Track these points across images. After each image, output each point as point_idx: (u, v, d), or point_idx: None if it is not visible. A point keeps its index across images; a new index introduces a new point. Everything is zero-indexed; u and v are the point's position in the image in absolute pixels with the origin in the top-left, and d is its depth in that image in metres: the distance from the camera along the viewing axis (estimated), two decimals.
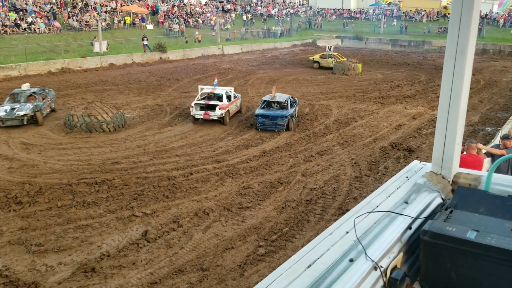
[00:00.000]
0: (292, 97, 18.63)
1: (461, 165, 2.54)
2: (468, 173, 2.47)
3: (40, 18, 36.44)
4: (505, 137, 9.28)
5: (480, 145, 8.49)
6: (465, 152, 7.74)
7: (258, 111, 17.30)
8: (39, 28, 34.95)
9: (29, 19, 35.22)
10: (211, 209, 10.40)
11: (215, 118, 17.58)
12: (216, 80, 20.21)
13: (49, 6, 39.12)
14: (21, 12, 35.93)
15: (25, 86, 18.43)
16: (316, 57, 34.79)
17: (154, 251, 8.71)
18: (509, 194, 2.16)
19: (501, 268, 1.69)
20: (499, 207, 2.08)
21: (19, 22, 34.24)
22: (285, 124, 16.73)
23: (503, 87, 26.15)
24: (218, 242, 9.06)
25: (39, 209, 10.33)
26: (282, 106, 17.57)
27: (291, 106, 17.76)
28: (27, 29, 34.31)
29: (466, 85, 2.28)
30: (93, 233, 9.37)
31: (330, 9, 68.31)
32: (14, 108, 16.81)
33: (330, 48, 35.70)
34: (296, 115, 18.09)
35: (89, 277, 7.89)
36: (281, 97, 17.99)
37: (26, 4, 37.67)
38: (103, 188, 11.45)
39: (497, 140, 12.90)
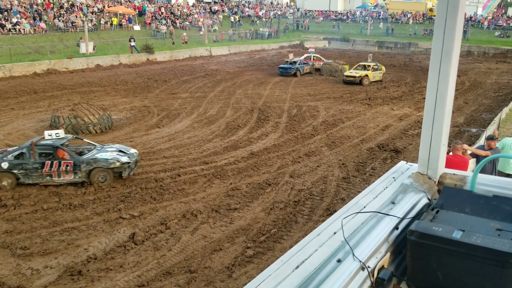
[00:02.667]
0: (303, 61, 31.96)
1: (447, 166, 2.57)
2: (454, 174, 2.50)
3: (25, 18, 36.01)
4: (489, 138, 9.42)
5: (466, 146, 8.60)
6: (450, 153, 7.84)
7: (280, 65, 31.23)
8: (24, 29, 34.53)
9: (14, 20, 34.79)
10: (199, 210, 10.36)
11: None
12: (311, 49, 37.07)
13: (34, 6, 38.69)
14: (6, 13, 35.47)
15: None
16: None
17: (141, 254, 8.65)
18: (494, 194, 2.19)
19: (487, 267, 1.71)
20: (484, 207, 2.11)
21: (3, 22, 33.80)
22: (292, 72, 30.11)
23: (488, 89, 26.51)
24: (206, 243, 9.03)
25: (24, 212, 10.20)
26: (292, 63, 30.94)
27: (300, 64, 31.01)
28: (11, 30, 33.88)
29: (451, 86, 2.31)
30: (79, 236, 9.27)
31: (318, 10, 68.63)
32: None
33: (370, 57, 32.27)
34: (304, 71, 31.16)
35: (75, 280, 7.80)
36: (294, 59, 31.75)
37: (11, 4, 37.18)
38: (89, 190, 11.34)
39: (482, 141, 13.08)
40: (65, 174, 11.55)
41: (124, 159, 11.99)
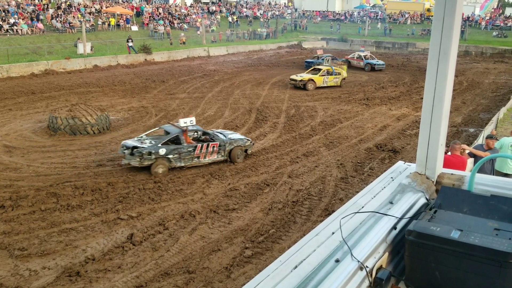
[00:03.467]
0: (334, 57, 34.14)
1: (445, 166, 2.57)
2: (452, 174, 2.50)
3: (23, 19, 35.94)
4: (489, 137, 9.44)
5: (464, 146, 8.61)
6: (449, 153, 7.85)
7: (306, 60, 35.12)
8: (21, 30, 34.46)
9: (11, 20, 34.71)
10: (197, 211, 10.36)
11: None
12: (362, 49, 39.10)
13: (31, 7, 38.62)
14: (3, 13, 35.40)
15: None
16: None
17: (139, 254, 8.64)
18: (492, 193, 2.20)
19: (484, 266, 1.72)
20: (482, 207, 2.12)
21: (1, 23, 33.72)
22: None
23: (485, 89, 26.57)
24: (205, 244, 9.02)
25: (22, 213, 10.17)
26: (318, 58, 33.70)
27: (326, 60, 32.07)
28: (9, 31, 33.81)
29: (449, 86, 2.31)
30: (77, 237, 9.26)
31: (316, 11, 68.68)
32: None
33: (328, 60, 30.14)
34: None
35: (73, 281, 7.79)
36: (322, 55, 34.56)
37: (8, 5, 37.11)
38: (87, 191, 11.32)
39: (480, 141, 13.11)
40: (210, 154, 13.30)
41: (248, 138, 14.39)
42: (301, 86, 25.55)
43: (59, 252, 8.68)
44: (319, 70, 26.85)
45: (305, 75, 26.36)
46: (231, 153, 13.57)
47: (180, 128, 13.15)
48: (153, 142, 12.82)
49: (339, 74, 27.12)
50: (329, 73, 26.67)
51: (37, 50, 32.04)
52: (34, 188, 11.40)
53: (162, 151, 12.40)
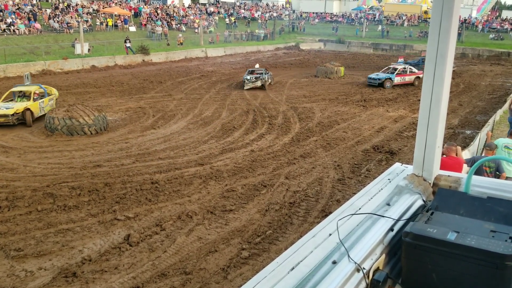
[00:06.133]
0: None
1: (442, 168, 2.58)
2: (449, 175, 2.51)
3: (20, 19, 35.86)
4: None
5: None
6: (443, 155, 7.86)
7: (409, 61, 34.72)
8: (18, 29, 34.38)
9: (9, 20, 34.62)
10: (194, 212, 10.34)
11: None
12: (400, 60, 32.55)
13: (29, 7, 38.55)
14: (0, 13, 35.31)
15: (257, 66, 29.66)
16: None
17: (136, 255, 8.62)
18: (488, 195, 2.20)
19: (481, 268, 1.72)
20: (479, 209, 2.12)
21: None
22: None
23: (482, 91, 26.65)
24: (202, 245, 9.01)
25: (19, 213, 10.14)
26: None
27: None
28: (6, 30, 33.73)
29: (446, 88, 2.32)
30: (74, 237, 9.23)
31: (313, 12, 68.77)
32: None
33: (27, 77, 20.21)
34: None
35: (70, 282, 7.76)
36: (421, 57, 35.32)
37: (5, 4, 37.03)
38: (84, 192, 11.29)
39: (476, 142, 13.16)
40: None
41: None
42: (14, 123, 16.87)
43: (56, 252, 8.65)
44: (26, 93, 18.59)
45: (17, 105, 17.53)
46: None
47: (264, 68, 28.04)
48: (256, 75, 25.96)
49: (51, 94, 19.84)
50: (41, 95, 19.01)
51: (34, 50, 31.98)
52: (31, 189, 11.36)
53: (268, 76, 26.10)
